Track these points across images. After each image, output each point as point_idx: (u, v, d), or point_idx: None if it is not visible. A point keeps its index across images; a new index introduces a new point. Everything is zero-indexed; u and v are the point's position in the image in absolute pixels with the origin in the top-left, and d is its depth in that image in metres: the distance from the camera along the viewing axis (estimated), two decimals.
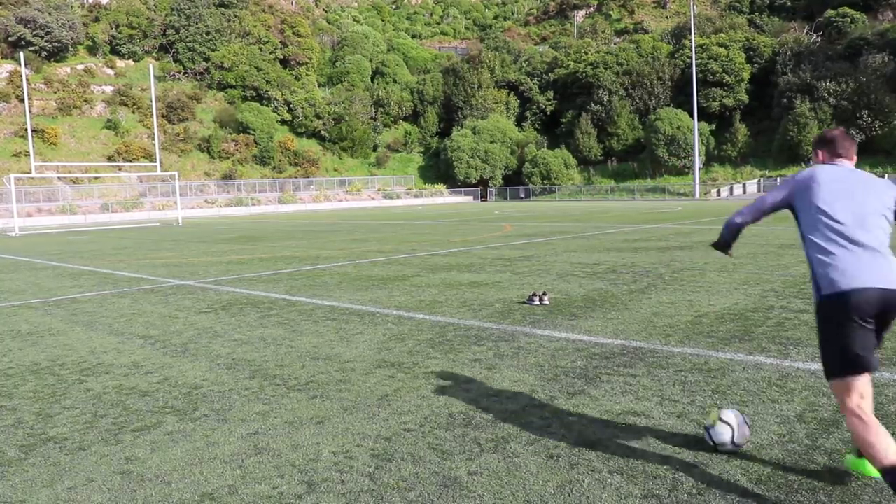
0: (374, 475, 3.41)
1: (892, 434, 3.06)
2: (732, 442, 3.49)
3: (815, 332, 3.03)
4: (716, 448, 3.54)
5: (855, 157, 3.29)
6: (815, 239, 3.06)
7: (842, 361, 2.94)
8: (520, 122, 74.61)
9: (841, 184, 3.09)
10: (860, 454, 3.22)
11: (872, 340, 2.94)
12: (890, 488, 2.87)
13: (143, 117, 65.18)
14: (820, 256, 3.02)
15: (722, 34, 66.84)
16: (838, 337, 2.94)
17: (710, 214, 27.54)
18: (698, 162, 55.65)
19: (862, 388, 2.94)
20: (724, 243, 3.66)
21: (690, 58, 59.27)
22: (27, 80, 54.39)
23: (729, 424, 3.50)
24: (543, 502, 3.07)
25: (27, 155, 52.02)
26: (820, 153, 3.35)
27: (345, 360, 5.74)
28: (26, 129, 43.21)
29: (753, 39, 65.39)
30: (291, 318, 7.66)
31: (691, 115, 56.99)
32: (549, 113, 73.81)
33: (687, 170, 60.20)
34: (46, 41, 65.90)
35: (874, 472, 3.11)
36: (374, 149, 76.80)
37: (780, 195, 3.26)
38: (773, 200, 3.31)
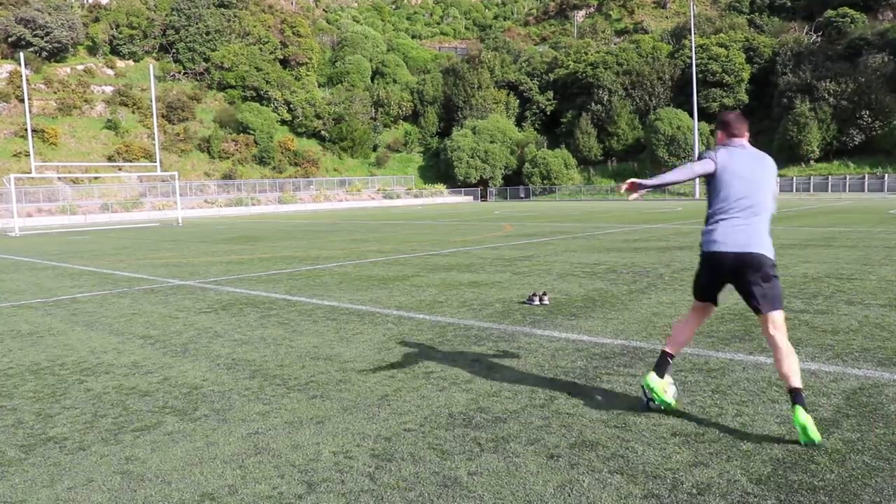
0: (374, 475, 3.41)
1: None
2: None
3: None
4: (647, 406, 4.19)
5: (747, 134, 3.92)
6: (712, 207, 3.92)
7: (695, 290, 4.26)
8: (520, 122, 74.61)
9: (739, 163, 3.83)
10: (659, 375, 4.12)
11: (717, 286, 4.10)
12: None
13: (143, 117, 65.19)
14: (710, 223, 3.95)
15: (722, 34, 66.84)
16: (699, 277, 4.16)
17: None
18: None
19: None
20: (641, 186, 4.19)
21: (690, 58, 59.27)
22: (27, 80, 54.41)
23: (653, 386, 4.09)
24: (543, 502, 3.07)
25: (27, 155, 52.03)
26: (719, 133, 3.97)
27: (345, 360, 5.74)
28: (26, 130, 43.22)
29: (753, 39, 65.39)
30: (291, 318, 7.66)
31: (691, 115, 56.99)
32: (549, 113, 73.81)
33: None
34: (46, 41, 65.90)
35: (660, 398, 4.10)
36: (374, 149, 76.81)
37: (709, 167, 3.89)
38: (701, 170, 3.92)
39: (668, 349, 4.16)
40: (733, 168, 3.84)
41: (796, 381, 3.65)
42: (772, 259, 3.86)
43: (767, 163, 3.90)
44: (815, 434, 3.52)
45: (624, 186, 4.19)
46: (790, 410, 3.75)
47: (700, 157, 3.95)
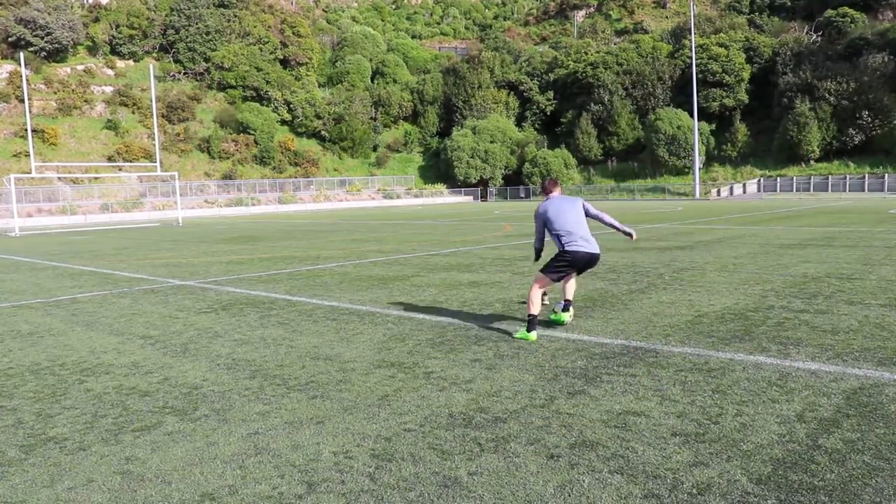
0: (374, 475, 3.41)
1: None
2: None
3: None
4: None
5: (558, 189, 6.77)
6: (555, 235, 6.48)
7: (556, 274, 6.48)
8: (520, 122, 74.60)
9: (558, 208, 6.50)
10: (563, 310, 6.91)
11: (569, 271, 6.55)
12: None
13: (143, 117, 65.18)
14: (558, 242, 6.46)
15: (722, 34, 66.81)
16: (558, 263, 6.41)
17: (710, 214, 27.53)
18: (698, 162, 55.67)
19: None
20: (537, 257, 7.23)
21: (690, 58, 59.27)
22: (27, 80, 54.43)
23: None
24: (543, 502, 3.07)
25: (27, 155, 52.04)
26: (546, 193, 6.75)
27: (345, 360, 5.74)
28: (26, 130, 43.23)
29: (753, 39, 65.37)
30: (291, 318, 7.66)
31: (691, 115, 57.00)
32: (549, 113, 73.79)
33: (687, 170, 60.21)
34: (46, 41, 65.87)
35: (561, 318, 6.84)
36: (374, 149, 76.80)
37: (539, 224, 6.68)
38: (538, 228, 6.74)
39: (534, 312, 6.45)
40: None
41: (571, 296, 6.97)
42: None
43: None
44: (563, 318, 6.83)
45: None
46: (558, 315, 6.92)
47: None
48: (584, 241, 6.33)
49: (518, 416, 4.21)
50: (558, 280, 6.53)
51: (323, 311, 8.09)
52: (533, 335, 6.18)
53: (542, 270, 6.47)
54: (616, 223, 6.59)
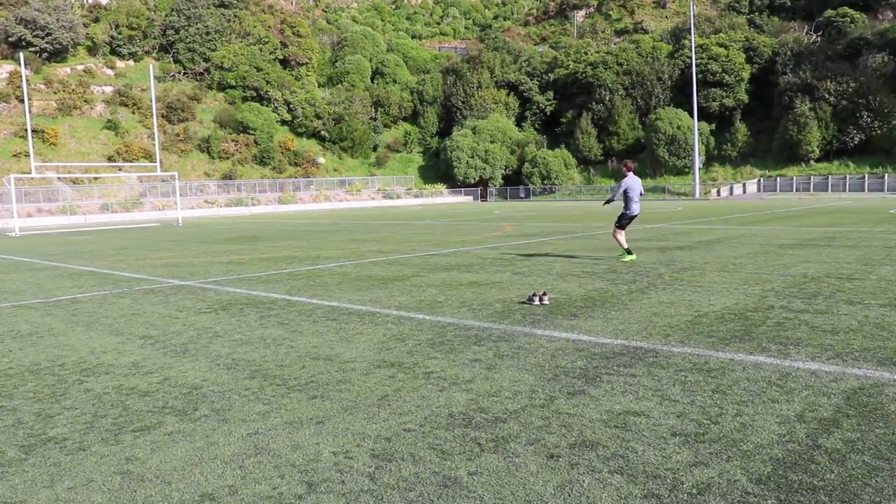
0: (374, 475, 3.41)
1: None
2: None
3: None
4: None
5: (633, 166, 12.81)
6: (628, 198, 12.25)
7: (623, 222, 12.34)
8: (520, 122, 74.57)
9: (634, 184, 12.27)
10: (627, 253, 12.15)
11: (629, 223, 12.44)
12: None
13: (143, 117, 65.14)
14: (627, 205, 12.27)
15: (722, 34, 66.77)
16: (624, 221, 12.29)
17: (710, 214, 27.52)
18: (698, 162, 55.65)
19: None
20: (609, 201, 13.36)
21: (690, 58, 59.24)
22: (27, 80, 54.43)
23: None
24: (543, 502, 3.07)
25: (27, 155, 52.02)
26: (627, 169, 12.58)
27: (345, 360, 5.74)
28: (26, 130, 43.21)
29: (753, 39, 65.34)
30: (291, 318, 7.66)
31: (691, 115, 56.97)
32: (549, 113, 73.76)
33: (687, 170, 60.20)
34: (46, 42, 65.84)
35: (629, 257, 12.06)
36: (374, 149, 76.77)
37: (621, 190, 12.31)
38: (618, 191, 12.35)
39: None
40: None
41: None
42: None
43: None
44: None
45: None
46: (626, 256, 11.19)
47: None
48: (638, 205, 12.24)
49: (518, 416, 4.21)
50: (623, 228, 12.26)
51: (323, 311, 8.09)
52: (632, 256, 12.05)
53: (617, 224, 12.27)
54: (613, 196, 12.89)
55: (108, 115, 65.03)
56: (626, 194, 12.11)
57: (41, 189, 51.17)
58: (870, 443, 3.60)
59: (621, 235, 12.15)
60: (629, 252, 12.05)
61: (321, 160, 70.23)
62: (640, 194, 12.29)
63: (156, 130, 42.70)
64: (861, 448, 3.53)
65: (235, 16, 76.89)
